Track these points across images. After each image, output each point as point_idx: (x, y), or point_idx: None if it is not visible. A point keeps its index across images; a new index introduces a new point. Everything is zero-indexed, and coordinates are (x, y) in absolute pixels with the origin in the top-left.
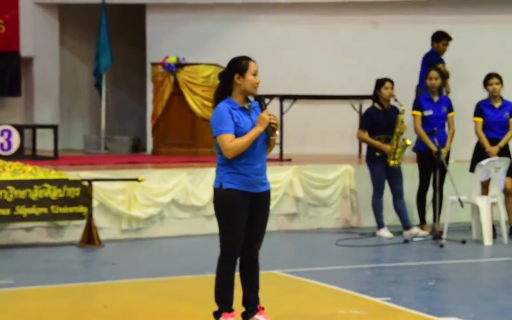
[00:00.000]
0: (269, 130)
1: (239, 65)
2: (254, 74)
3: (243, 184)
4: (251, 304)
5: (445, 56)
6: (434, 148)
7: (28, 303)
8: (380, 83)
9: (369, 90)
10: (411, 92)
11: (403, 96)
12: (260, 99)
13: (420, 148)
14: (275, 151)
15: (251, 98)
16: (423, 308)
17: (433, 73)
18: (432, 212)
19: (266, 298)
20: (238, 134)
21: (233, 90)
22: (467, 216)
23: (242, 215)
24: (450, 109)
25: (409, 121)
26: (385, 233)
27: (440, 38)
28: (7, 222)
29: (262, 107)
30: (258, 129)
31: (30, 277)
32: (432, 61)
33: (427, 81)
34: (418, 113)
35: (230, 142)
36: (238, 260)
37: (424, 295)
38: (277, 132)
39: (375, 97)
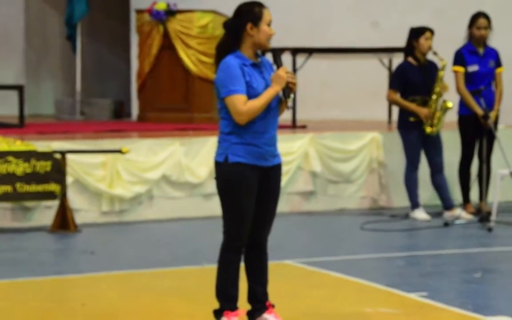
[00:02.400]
0: (286, 91)
1: (252, 13)
2: (269, 24)
3: (253, 157)
4: (259, 300)
5: None
6: (480, 111)
7: None
8: (417, 32)
9: (401, 41)
10: (449, 45)
11: (441, 49)
12: (275, 52)
13: (463, 112)
14: (286, 116)
15: (260, 53)
16: (466, 305)
17: (482, 21)
18: (478, 189)
19: (277, 293)
20: (250, 96)
21: (243, 43)
22: None
23: (252, 195)
24: (499, 63)
25: (450, 79)
26: (420, 214)
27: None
28: None
29: (278, 62)
30: (275, 88)
31: None
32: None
33: (474, 30)
34: (461, 69)
35: (243, 105)
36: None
37: (468, 289)
38: (292, 94)
39: (410, 49)
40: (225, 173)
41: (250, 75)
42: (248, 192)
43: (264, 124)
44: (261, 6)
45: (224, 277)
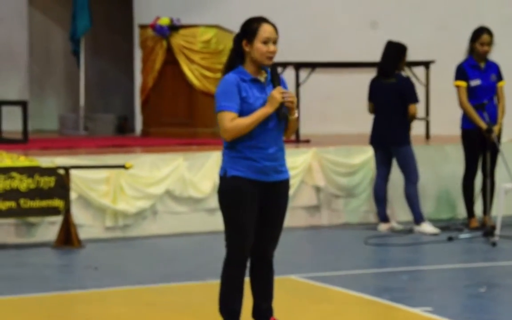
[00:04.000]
0: (281, 113)
1: (248, 29)
2: (265, 42)
3: (251, 171)
4: (263, 316)
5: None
6: (483, 125)
7: None
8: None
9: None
10: (454, 57)
11: (444, 61)
12: (273, 71)
13: (466, 126)
14: None
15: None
16: None
17: (486, 37)
18: (482, 203)
19: (281, 308)
20: (245, 111)
21: (246, 58)
22: None
23: (250, 209)
24: (500, 77)
25: (452, 93)
26: (428, 228)
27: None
28: None
29: (274, 82)
30: (266, 110)
31: None
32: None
33: (477, 46)
34: (463, 84)
35: (230, 122)
36: (248, 263)
37: (473, 304)
38: (296, 112)
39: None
40: (224, 187)
41: (247, 90)
42: (247, 206)
43: (262, 139)
44: (260, 21)
45: (226, 292)
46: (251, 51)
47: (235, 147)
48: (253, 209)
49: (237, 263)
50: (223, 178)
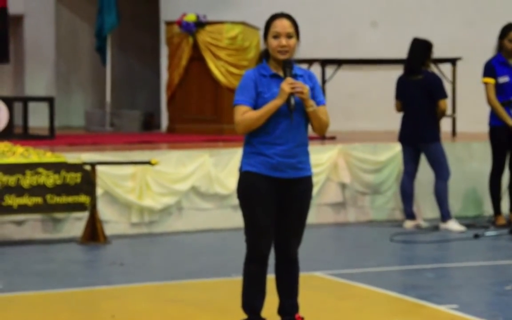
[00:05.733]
0: (290, 104)
1: (265, 26)
2: (276, 36)
3: (265, 167)
4: (288, 313)
5: None
6: (511, 122)
7: (19, 312)
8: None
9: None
10: (481, 54)
11: (471, 58)
12: (285, 65)
13: (494, 123)
14: None
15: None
16: (497, 317)
17: None
18: (509, 200)
19: (306, 305)
20: (260, 106)
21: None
22: None
23: (265, 205)
24: None
25: (481, 90)
26: (455, 225)
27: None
28: None
29: (286, 73)
30: (276, 102)
31: (22, 281)
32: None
33: (505, 42)
34: (491, 81)
35: (241, 115)
36: (273, 260)
37: (499, 301)
38: (313, 104)
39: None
40: (240, 182)
41: (265, 85)
42: (261, 202)
43: (280, 135)
44: (274, 17)
45: (247, 288)
46: (267, 46)
47: (251, 142)
48: (268, 205)
49: (255, 259)
50: (240, 173)
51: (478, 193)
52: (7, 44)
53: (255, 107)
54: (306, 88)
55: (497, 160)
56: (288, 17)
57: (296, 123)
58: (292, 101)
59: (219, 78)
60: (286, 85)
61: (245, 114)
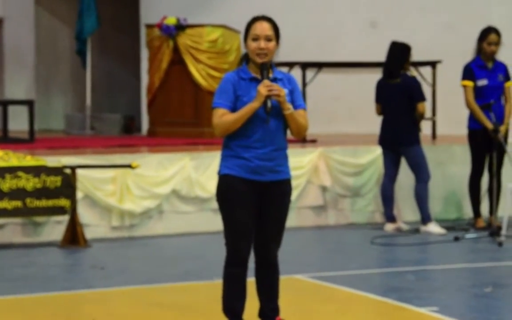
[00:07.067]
0: (267, 107)
1: (245, 28)
2: (255, 39)
3: (243, 170)
4: (269, 316)
5: (497, 11)
6: (490, 125)
7: None
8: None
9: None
10: (460, 57)
11: (451, 61)
12: (262, 66)
13: (472, 126)
14: None
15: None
16: (477, 319)
17: (494, 37)
18: (489, 203)
19: (287, 308)
20: (239, 109)
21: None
22: None
23: (245, 207)
24: (507, 77)
25: (459, 93)
26: (435, 228)
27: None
28: None
29: (263, 76)
30: (252, 105)
31: (1, 285)
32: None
33: (484, 45)
34: (470, 84)
35: (219, 118)
36: (253, 264)
37: (479, 304)
38: (290, 107)
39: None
40: (219, 185)
41: (244, 89)
42: (240, 204)
43: (258, 138)
44: (254, 20)
45: (227, 291)
46: (247, 49)
47: (229, 145)
48: (248, 208)
49: (235, 262)
50: (219, 176)
51: (458, 196)
52: None
53: (234, 110)
54: (283, 91)
55: (476, 163)
56: (269, 20)
57: (274, 126)
58: (269, 104)
59: (199, 81)
60: (263, 88)
61: (223, 117)
